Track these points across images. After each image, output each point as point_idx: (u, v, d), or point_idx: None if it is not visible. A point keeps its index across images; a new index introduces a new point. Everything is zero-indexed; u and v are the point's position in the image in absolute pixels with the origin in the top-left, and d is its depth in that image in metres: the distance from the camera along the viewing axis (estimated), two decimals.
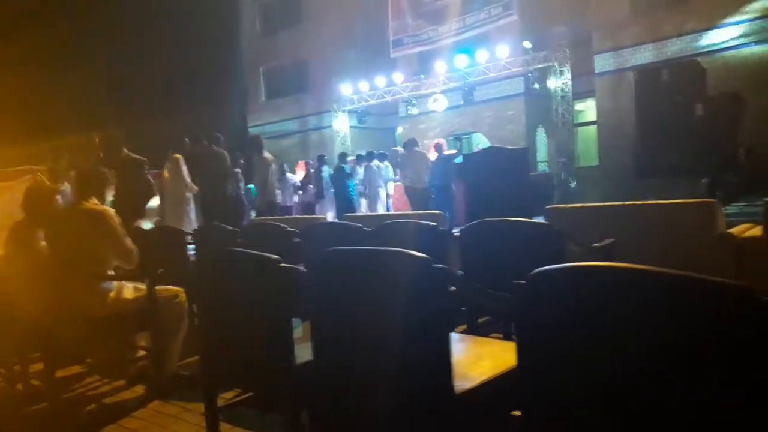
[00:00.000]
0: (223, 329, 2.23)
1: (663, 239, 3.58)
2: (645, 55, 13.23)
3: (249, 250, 2.11)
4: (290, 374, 1.96)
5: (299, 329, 2.24)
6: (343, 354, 1.76)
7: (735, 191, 10.07)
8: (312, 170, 12.57)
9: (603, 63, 13.96)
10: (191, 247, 4.37)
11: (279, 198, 9.66)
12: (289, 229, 3.76)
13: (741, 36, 11.91)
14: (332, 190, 11.64)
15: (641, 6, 13.17)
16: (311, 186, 12.50)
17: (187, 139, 8.23)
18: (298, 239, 3.67)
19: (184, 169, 7.72)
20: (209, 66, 20.81)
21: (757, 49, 11.75)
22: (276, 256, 1.90)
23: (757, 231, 3.58)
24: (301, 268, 2.02)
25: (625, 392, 1.19)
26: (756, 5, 11.66)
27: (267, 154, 9.08)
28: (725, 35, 12.10)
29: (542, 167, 16.41)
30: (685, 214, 3.68)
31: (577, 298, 1.24)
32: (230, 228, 4.26)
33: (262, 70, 22.28)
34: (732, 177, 10.55)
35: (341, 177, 11.40)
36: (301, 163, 13.31)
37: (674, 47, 12.77)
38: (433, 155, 10.99)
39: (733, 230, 3.71)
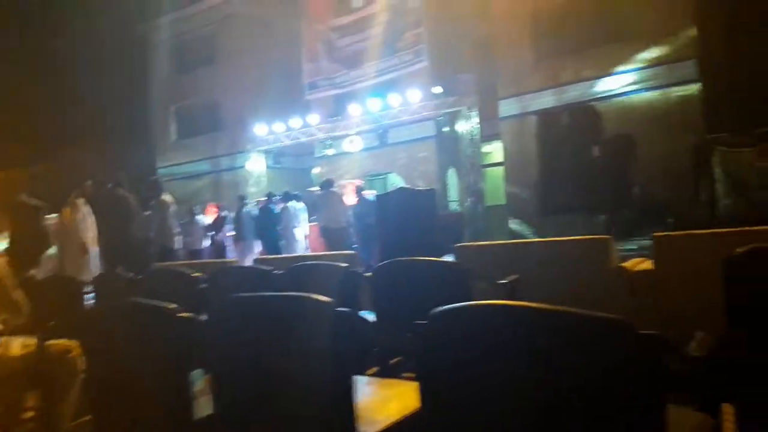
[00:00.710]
0: (119, 385, 2.09)
1: (564, 273, 3.76)
2: (546, 100, 14.05)
3: (145, 300, 2.01)
4: (190, 430, 1.86)
5: (201, 381, 2.15)
6: (246, 405, 1.70)
7: (630, 227, 10.77)
8: (223, 213, 12.25)
9: (508, 108, 14.69)
10: (90, 296, 4.11)
11: (179, 244, 9.21)
12: (195, 274, 3.62)
13: (632, 83, 12.94)
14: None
15: (543, 54, 14.03)
16: (227, 228, 12.18)
17: (89, 182, 7.84)
18: (204, 285, 3.54)
19: (84, 213, 7.33)
20: (118, 104, 20.07)
21: (646, 95, 12.80)
22: (173, 305, 1.82)
23: (648, 264, 3.83)
24: (204, 316, 1.94)
25: (525, 425, 1.22)
26: (644, 55, 12.75)
27: (166, 197, 8.77)
28: (618, 82, 13.09)
29: (454, 206, 16.87)
30: (583, 250, 3.89)
31: (474, 336, 1.27)
32: (131, 275, 4.05)
33: (174, 109, 21.78)
34: (627, 214, 11.28)
35: (269, 218, 11.22)
36: (211, 205, 12.93)
37: (573, 93, 13.66)
38: (352, 197, 11.17)
39: (626, 264, 3.96)
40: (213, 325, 1.75)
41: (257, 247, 11.42)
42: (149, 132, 21.85)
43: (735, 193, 8.99)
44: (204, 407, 1.84)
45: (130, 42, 21.01)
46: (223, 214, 12.29)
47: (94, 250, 7.35)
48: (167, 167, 20.74)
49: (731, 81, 10.62)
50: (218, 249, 11.94)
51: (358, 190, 11.47)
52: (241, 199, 12.15)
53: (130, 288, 3.92)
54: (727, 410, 1.54)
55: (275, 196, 12.07)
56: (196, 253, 11.13)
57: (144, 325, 1.96)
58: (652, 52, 12.65)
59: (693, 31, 11.94)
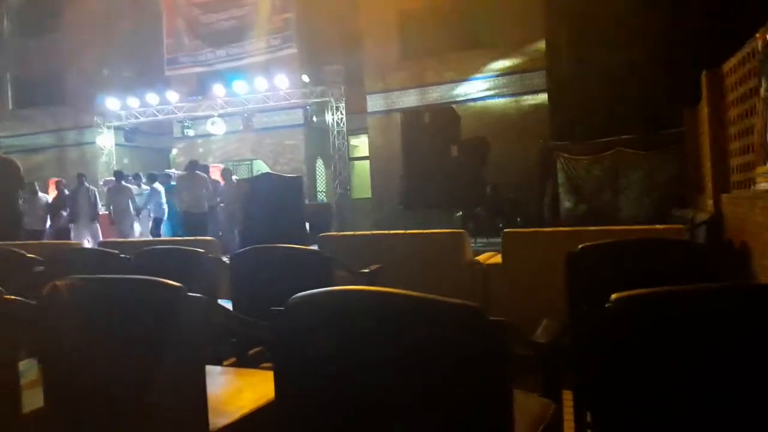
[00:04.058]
0: None
1: (423, 264, 3.89)
2: (410, 98, 14.53)
3: None
4: (17, 423, 1.67)
5: (33, 371, 1.94)
6: (82, 397, 1.54)
7: (484, 223, 11.46)
8: (66, 191, 11.16)
9: (374, 103, 14.97)
10: None
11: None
12: (30, 255, 3.25)
13: (486, 89, 13.78)
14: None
15: (408, 53, 14.46)
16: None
17: None
18: (41, 268, 3.19)
19: None
20: None
21: (498, 101, 13.69)
22: None
23: (497, 258, 4.07)
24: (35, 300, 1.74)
25: (379, 411, 1.22)
26: (500, 63, 13.60)
27: None
28: (476, 87, 13.87)
29: (321, 197, 16.88)
30: (440, 243, 4.05)
31: (330, 322, 1.25)
32: None
33: (10, 77, 19.49)
34: (481, 211, 11.99)
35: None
36: (52, 181, 11.79)
37: (435, 94, 14.26)
38: (217, 177, 10.87)
39: (479, 257, 4.19)
40: (46, 310, 1.57)
41: (98, 231, 10.63)
42: None
43: (574, 196, 9.88)
44: (35, 400, 1.65)
45: None
46: (66, 192, 11.21)
47: None
48: (3, 138, 18.52)
49: (573, 93, 11.62)
50: (61, 231, 10.88)
51: (225, 173, 11.19)
52: (80, 177, 11.17)
53: None
54: (568, 397, 1.67)
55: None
56: (37, 234, 10.09)
57: None
58: (507, 61, 13.55)
59: (542, 44, 12.94)
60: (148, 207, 10.99)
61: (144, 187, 11.83)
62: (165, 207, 11.11)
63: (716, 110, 5.86)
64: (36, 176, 13.23)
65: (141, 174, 12.99)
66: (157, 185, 11.25)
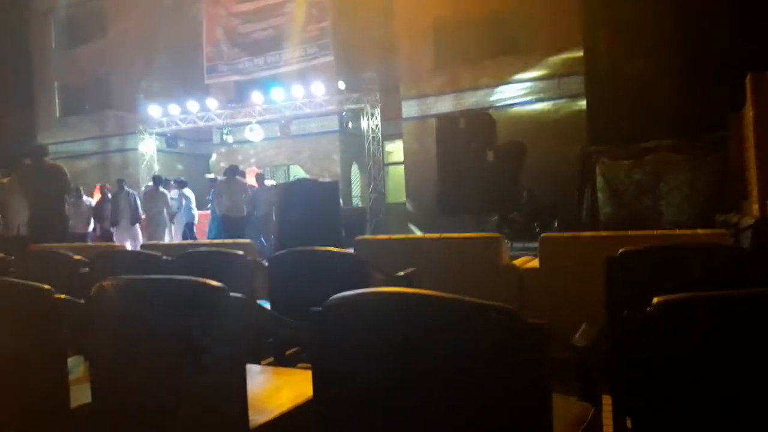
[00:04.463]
0: None
1: (458, 268, 3.88)
2: (446, 104, 14.49)
3: (17, 280, 1.84)
4: (66, 418, 1.74)
5: (80, 368, 2.01)
6: (127, 393, 1.59)
7: (520, 228, 11.34)
8: (109, 195, 11.50)
9: (409, 109, 14.99)
10: None
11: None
12: (76, 257, 3.37)
13: (524, 94, 13.65)
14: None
15: (443, 60, 14.45)
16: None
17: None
18: (86, 269, 3.30)
19: None
20: None
21: (536, 106, 13.54)
22: (48, 287, 1.68)
23: (535, 263, 4.03)
24: (82, 300, 1.81)
25: (417, 413, 1.23)
26: (536, 68, 13.46)
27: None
28: (511, 92, 13.76)
29: (356, 202, 16.98)
30: (475, 247, 4.04)
31: (368, 323, 1.26)
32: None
33: (58, 85, 20.20)
34: (517, 216, 11.87)
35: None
36: (99, 186, 12.20)
37: (471, 99, 14.19)
38: (253, 182, 11.09)
39: (515, 261, 4.16)
40: (93, 309, 1.63)
41: (139, 233, 10.94)
42: (30, 106, 20.15)
43: (614, 201, 9.69)
44: (82, 395, 1.71)
45: (10, 8, 19.23)
46: (109, 196, 11.57)
47: None
48: (50, 144, 19.17)
49: (612, 98, 11.42)
50: (104, 233, 11.24)
51: (259, 177, 11.40)
52: (120, 182, 11.50)
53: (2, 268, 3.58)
54: (607, 401, 1.65)
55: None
56: (81, 237, 10.47)
57: (15, 306, 1.79)
58: (544, 66, 13.39)
59: (580, 49, 12.75)
60: (181, 212, 11.32)
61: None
62: (195, 211, 11.45)
63: (762, 113, 5.69)
64: (80, 181, 13.66)
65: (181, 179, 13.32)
66: (187, 191, 11.56)
